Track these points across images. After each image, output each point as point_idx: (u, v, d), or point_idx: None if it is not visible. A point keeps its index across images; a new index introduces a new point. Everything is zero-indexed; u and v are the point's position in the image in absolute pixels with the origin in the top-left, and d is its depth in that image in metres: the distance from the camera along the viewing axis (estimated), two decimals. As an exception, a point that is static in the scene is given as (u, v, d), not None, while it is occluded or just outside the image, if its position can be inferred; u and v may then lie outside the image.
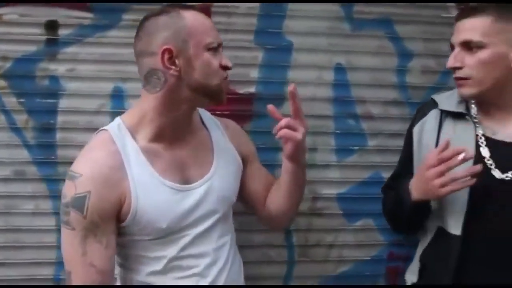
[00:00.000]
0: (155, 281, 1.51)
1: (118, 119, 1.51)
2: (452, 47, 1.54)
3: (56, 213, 1.87)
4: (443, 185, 1.43)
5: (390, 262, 2.08)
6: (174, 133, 1.52)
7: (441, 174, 1.42)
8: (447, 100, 1.63)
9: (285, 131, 1.48)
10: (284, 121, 1.49)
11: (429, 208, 1.58)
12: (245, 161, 1.70)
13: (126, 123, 1.49)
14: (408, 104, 2.02)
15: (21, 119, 1.88)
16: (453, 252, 1.54)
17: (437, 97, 1.66)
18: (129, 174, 1.43)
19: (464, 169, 1.41)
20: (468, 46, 1.46)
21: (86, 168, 1.41)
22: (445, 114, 1.63)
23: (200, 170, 1.55)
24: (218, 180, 1.57)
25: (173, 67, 1.43)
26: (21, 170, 1.89)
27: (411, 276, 1.69)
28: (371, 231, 2.06)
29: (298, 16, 1.96)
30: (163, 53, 1.41)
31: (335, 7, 1.97)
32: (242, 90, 1.95)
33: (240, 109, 1.93)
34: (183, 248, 1.51)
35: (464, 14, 1.49)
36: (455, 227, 1.54)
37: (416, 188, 1.52)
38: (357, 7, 1.97)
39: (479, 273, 1.52)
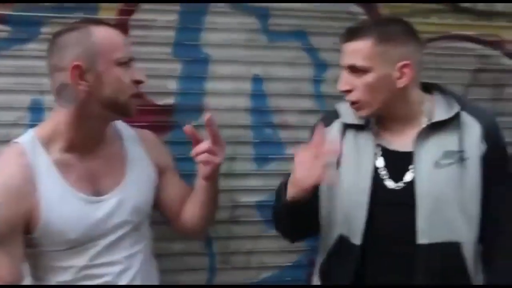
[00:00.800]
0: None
1: (31, 132, 1.54)
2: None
3: None
4: (316, 173, 1.44)
5: (311, 268, 2.07)
6: (86, 145, 1.55)
7: (314, 160, 1.45)
8: (349, 111, 1.65)
9: (205, 156, 1.56)
10: (203, 147, 1.57)
11: (309, 209, 1.59)
12: (161, 172, 1.73)
13: (38, 135, 1.51)
14: (323, 113, 2.06)
15: None
16: (353, 260, 1.58)
17: (340, 108, 1.69)
18: (39, 187, 1.46)
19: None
20: (354, 69, 1.50)
21: None
22: (348, 125, 1.66)
23: (113, 181, 1.58)
24: (130, 191, 1.59)
25: (83, 82, 1.45)
26: None
27: (316, 279, 1.74)
28: None
29: (215, 28, 1.99)
30: (73, 69, 1.44)
31: (251, 20, 2.01)
32: (161, 101, 1.98)
33: (160, 120, 1.96)
34: (93, 258, 1.53)
35: (346, 37, 1.52)
36: (355, 237, 1.57)
37: (290, 186, 1.53)
38: (273, 20, 2.01)
39: (376, 279, 1.58)
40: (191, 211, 1.73)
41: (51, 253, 1.51)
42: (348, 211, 1.59)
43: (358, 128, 1.64)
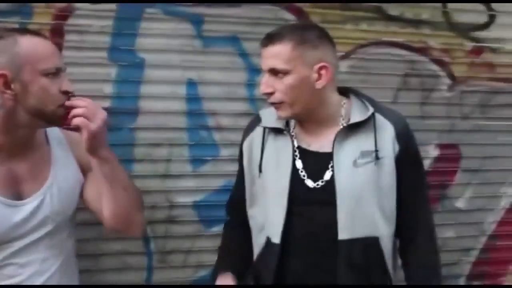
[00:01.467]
0: None
1: None
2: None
3: None
4: None
5: None
6: (13, 149, 1.53)
7: None
8: (269, 116, 1.68)
9: (80, 120, 1.45)
10: (80, 109, 1.45)
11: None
12: (84, 171, 1.69)
13: None
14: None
15: None
16: (273, 259, 1.62)
17: (262, 113, 1.73)
18: None
19: None
20: (275, 72, 1.53)
21: None
22: (268, 130, 1.69)
23: (35, 185, 1.56)
24: (52, 195, 1.58)
25: (8, 91, 1.44)
26: None
27: (250, 277, 1.76)
28: None
29: (150, 34, 2.03)
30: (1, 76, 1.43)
31: (186, 25, 2.05)
32: None
33: None
34: (5, 258, 1.52)
35: (266, 41, 1.55)
36: (275, 236, 1.61)
37: None
38: (207, 26, 2.06)
39: (298, 277, 1.62)
40: (104, 206, 1.63)
41: None
42: (270, 212, 1.63)
43: (277, 131, 1.67)
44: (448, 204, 2.41)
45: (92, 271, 2.02)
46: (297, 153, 1.62)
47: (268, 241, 1.63)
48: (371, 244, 1.60)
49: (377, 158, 1.58)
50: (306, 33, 1.54)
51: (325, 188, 1.59)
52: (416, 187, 1.66)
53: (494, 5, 2.36)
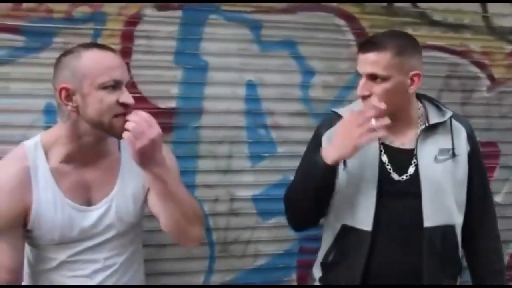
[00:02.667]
0: (47, 276, 1.62)
1: (38, 137, 1.60)
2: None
3: None
4: (361, 136, 1.57)
5: (301, 255, 2.27)
6: (83, 157, 1.59)
7: (360, 125, 1.58)
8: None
9: (127, 135, 1.46)
10: (131, 125, 1.45)
11: (332, 188, 1.72)
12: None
13: (43, 141, 1.58)
14: (312, 115, 2.23)
15: None
16: (364, 245, 1.70)
17: (341, 111, 1.79)
18: (34, 190, 1.53)
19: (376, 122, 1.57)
20: (374, 77, 1.63)
21: None
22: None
23: (103, 192, 1.62)
24: (117, 202, 1.63)
25: (70, 103, 1.50)
26: None
27: (316, 270, 1.84)
28: (283, 228, 2.19)
29: (213, 38, 2.13)
30: (60, 90, 1.49)
31: (245, 31, 2.16)
32: (164, 105, 2.11)
33: (163, 122, 1.98)
34: (73, 255, 1.61)
35: (367, 48, 1.64)
36: (365, 224, 1.70)
37: (332, 149, 1.63)
38: (264, 31, 2.17)
39: (384, 263, 1.71)
40: (159, 217, 1.66)
41: (40, 245, 1.61)
42: (357, 202, 1.71)
43: None
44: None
45: (157, 260, 2.12)
46: (381, 148, 1.72)
47: (350, 229, 1.72)
48: (448, 231, 1.73)
49: (454, 155, 1.73)
50: (405, 42, 1.67)
51: (410, 181, 1.71)
52: (483, 180, 1.82)
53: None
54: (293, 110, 2.23)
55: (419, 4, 2.36)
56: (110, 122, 1.50)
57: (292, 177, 2.14)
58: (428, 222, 1.70)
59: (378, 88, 1.62)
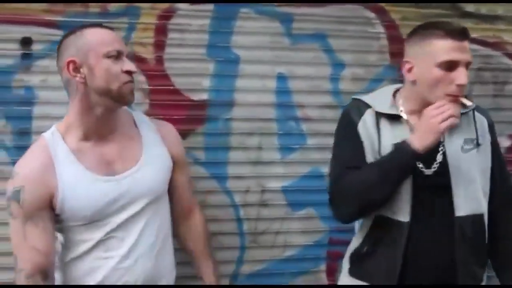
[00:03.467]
0: (86, 257, 1.68)
1: (53, 127, 1.71)
2: (451, 63, 1.63)
3: None
4: (443, 121, 1.58)
5: (330, 246, 2.27)
6: (99, 132, 1.69)
7: (441, 112, 1.60)
8: (379, 103, 1.77)
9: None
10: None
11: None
12: (174, 161, 1.84)
13: (59, 129, 1.69)
14: (342, 107, 2.18)
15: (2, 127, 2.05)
16: (403, 236, 1.71)
17: (367, 99, 1.79)
18: (57, 173, 1.62)
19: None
20: (468, 65, 1.66)
21: (22, 168, 1.65)
22: (380, 115, 1.75)
23: (126, 164, 1.71)
24: (143, 173, 1.72)
25: (78, 75, 1.62)
26: (1, 170, 2.05)
27: (346, 262, 1.85)
28: (313, 219, 2.25)
29: (244, 32, 2.16)
30: (68, 64, 1.62)
31: (276, 24, 2.18)
32: (196, 97, 2.14)
33: (195, 113, 2.13)
34: (108, 233, 1.68)
35: (463, 36, 1.65)
36: (403, 215, 1.71)
37: (419, 138, 1.62)
38: (295, 24, 2.18)
39: (420, 252, 1.72)
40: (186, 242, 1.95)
41: (72, 227, 1.68)
42: (394, 194, 1.72)
43: (392, 118, 1.75)
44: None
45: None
46: None
47: (385, 219, 1.73)
48: (478, 220, 1.75)
49: (478, 145, 1.75)
50: None
51: (440, 172, 1.72)
52: (504, 168, 1.84)
53: None
54: (323, 102, 2.24)
55: (450, -6, 2.33)
56: (119, 89, 1.63)
57: (322, 169, 2.21)
58: (459, 212, 1.71)
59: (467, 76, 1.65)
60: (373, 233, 1.77)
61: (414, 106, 1.74)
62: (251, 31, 2.17)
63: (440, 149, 1.73)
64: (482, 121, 1.81)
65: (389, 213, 1.73)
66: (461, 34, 1.65)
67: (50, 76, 2.04)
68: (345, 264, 1.86)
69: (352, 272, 1.82)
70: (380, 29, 2.26)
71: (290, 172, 2.25)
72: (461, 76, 1.62)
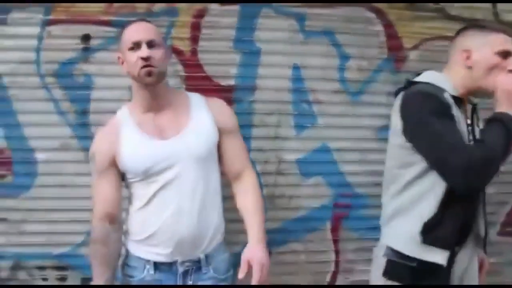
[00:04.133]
0: (143, 209, 1.91)
1: (127, 105, 2.02)
2: (505, 53, 1.80)
3: (91, 174, 2.23)
4: None
5: (335, 209, 2.59)
6: (152, 107, 1.93)
7: None
8: (448, 87, 1.84)
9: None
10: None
11: None
12: (224, 133, 2.00)
13: (128, 105, 2.01)
14: (348, 93, 2.54)
15: (65, 105, 2.38)
16: (465, 205, 1.82)
17: (438, 83, 1.84)
18: (121, 137, 1.92)
19: None
20: None
21: (96, 137, 1.99)
22: (453, 98, 1.82)
23: (176, 131, 1.92)
24: (188, 138, 1.91)
25: (122, 66, 1.93)
26: (66, 143, 2.40)
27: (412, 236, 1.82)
28: (321, 186, 2.56)
29: (265, 28, 2.46)
30: (118, 58, 1.94)
31: (293, 22, 2.47)
32: (224, 83, 2.45)
33: (223, 96, 2.31)
34: (160, 188, 1.89)
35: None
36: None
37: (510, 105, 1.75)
38: (308, 22, 2.48)
39: (468, 219, 1.86)
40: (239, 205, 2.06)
41: (132, 183, 1.94)
42: None
43: (456, 103, 1.82)
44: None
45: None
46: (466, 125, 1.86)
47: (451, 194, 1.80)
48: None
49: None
50: None
51: None
52: None
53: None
54: (332, 88, 2.51)
55: (437, 1, 2.59)
56: (138, 73, 1.85)
57: (330, 144, 2.51)
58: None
59: None
60: (443, 204, 1.79)
61: (462, 90, 1.86)
62: (271, 27, 2.45)
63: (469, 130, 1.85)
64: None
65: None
66: (509, 31, 1.85)
67: (105, 66, 2.37)
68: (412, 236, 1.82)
69: (427, 240, 1.80)
70: (379, 27, 2.52)
71: (303, 147, 2.54)
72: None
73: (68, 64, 2.37)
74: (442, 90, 1.81)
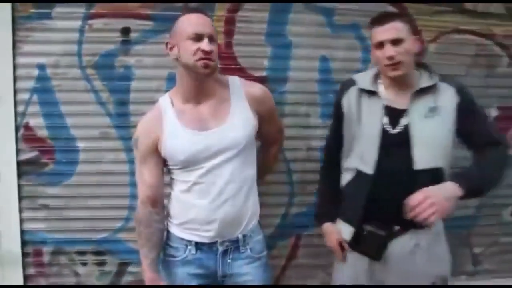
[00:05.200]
0: (184, 195, 1.98)
1: (167, 93, 2.05)
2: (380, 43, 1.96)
3: (130, 161, 2.48)
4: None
5: None
6: (195, 97, 1.96)
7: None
8: (363, 80, 2.06)
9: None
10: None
11: None
12: (263, 116, 2.05)
13: (170, 94, 2.03)
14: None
15: (105, 96, 2.48)
16: (367, 186, 1.99)
17: (356, 77, 2.10)
18: (163, 126, 1.96)
19: None
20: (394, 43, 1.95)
21: (140, 123, 2.02)
22: (361, 91, 2.05)
23: (217, 121, 1.96)
24: (229, 129, 1.95)
25: (171, 53, 1.94)
26: (105, 132, 2.49)
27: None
28: None
29: (295, 23, 2.58)
30: (166, 44, 1.96)
31: (321, 17, 2.60)
32: (257, 74, 2.56)
33: None
34: (200, 176, 1.95)
35: (384, 21, 1.98)
36: (369, 169, 1.99)
37: None
38: (335, 17, 2.61)
39: (382, 199, 1.97)
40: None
41: (173, 170, 2.01)
42: (365, 152, 2.01)
43: (370, 93, 2.03)
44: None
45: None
46: (384, 110, 2.01)
47: (360, 172, 2.02)
48: (436, 173, 1.96)
49: (438, 112, 1.97)
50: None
51: (402, 134, 1.98)
52: (479, 121, 2.03)
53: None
54: None
55: (455, -5, 2.72)
56: (194, 64, 1.87)
57: None
58: (419, 165, 1.95)
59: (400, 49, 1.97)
60: (350, 182, 2.08)
61: (385, 82, 2.05)
62: (301, 22, 2.58)
63: (404, 114, 1.97)
64: (446, 90, 2.00)
65: (361, 167, 2.02)
66: (379, 21, 1.97)
67: (144, 57, 2.47)
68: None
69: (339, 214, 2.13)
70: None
71: None
72: (387, 50, 1.92)
73: (108, 56, 2.46)
74: (351, 84, 2.08)
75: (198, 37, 1.87)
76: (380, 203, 1.99)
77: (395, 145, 1.99)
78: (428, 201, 1.79)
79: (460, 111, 2.00)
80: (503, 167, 2.01)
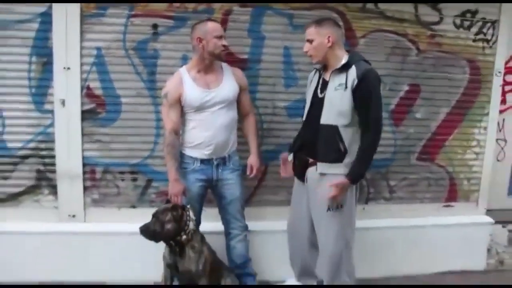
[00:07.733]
0: (195, 129, 3.10)
1: (184, 66, 3.17)
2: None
3: (155, 112, 3.54)
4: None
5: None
6: (205, 70, 3.10)
7: None
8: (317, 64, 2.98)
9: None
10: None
11: None
12: (241, 89, 3.21)
13: (186, 66, 3.16)
14: None
15: (140, 68, 3.52)
16: (301, 130, 3.10)
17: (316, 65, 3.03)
18: (183, 86, 3.06)
19: None
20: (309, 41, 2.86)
21: (167, 83, 3.12)
22: (316, 70, 3.02)
23: (216, 85, 3.12)
24: (222, 90, 3.12)
25: (201, 44, 3.00)
26: (140, 92, 3.54)
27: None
28: (300, 124, 3.48)
29: (268, 23, 3.60)
30: (196, 39, 3.00)
31: (284, 19, 3.59)
32: (241, 56, 3.57)
33: (241, 66, 3.46)
34: (206, 116, 3.08)
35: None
36: (304, 117, 3.02)
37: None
38: (295, 19, 3.60)
39: (306, 137, 2.99)
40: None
41: (188, 112, 3.10)
42: (306, 107, 3.00)
43: (317, 71, 2.99)
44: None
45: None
46: (320, 81, 2.93)
47: (302, 120, 3.08)
48: (332, 128, 2.80)
49: (345, 87, 2.75)
50: (323, 21, 2.88)
51: (322, 98, 2.85)
52: (363, 108, 2.76)
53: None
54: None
55: (379, 5, 3.66)
56: (219, 53, 3.07)
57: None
58: (322, 121, 2.82)
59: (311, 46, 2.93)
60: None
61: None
62: (271, 22, 3.60)
63: (326, 88, 2.81)
64: (353, 74, 2.70)
65: (304, 116, 3.04)
66: (306, 27, 2.94)
67: (167, 44, 3.50)
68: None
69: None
70: (341, 23, 3.40)
71: (289, 98, 3.70)
72: (304, 47, 2.89)
73: (143, 42, 3.49)
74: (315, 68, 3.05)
75: (220, 37, 3.02)
76: (304, 141, 3.00)
77: (318, 104, 2.88)
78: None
79: (354, 92, 2.75)
80: (372, 151, 2.84)
